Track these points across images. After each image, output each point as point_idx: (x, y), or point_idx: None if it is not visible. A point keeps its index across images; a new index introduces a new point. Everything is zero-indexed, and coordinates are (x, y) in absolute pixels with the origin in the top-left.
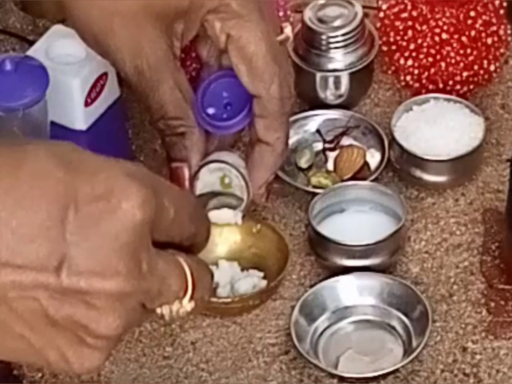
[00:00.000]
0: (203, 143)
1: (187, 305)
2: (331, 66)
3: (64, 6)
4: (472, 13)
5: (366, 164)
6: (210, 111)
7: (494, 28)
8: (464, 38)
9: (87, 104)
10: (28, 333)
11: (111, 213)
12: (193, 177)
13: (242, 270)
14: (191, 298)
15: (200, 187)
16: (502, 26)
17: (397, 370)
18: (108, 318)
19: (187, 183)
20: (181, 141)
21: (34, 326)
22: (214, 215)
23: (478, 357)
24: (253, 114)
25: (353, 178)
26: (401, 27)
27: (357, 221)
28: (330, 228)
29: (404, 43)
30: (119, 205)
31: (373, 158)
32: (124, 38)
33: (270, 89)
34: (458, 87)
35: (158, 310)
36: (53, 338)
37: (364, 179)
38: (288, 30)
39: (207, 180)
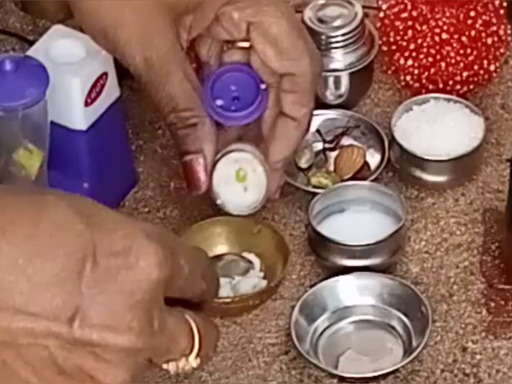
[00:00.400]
0: (215, 134)
1: (193, 361)
2: (331, 66)
3: (71, 2)
4: (472, 13)
5: (366, 164)
6: (219, 102)
7: (494, 28)
8: (464, 38)
9: (87, 104)
10: (34, 379)
11: (128, 269)
12: (212, 168)
13: (242, 269)
14: (197, 355)
15: (217, 179)
16: (502, 26)
17: (397, 370)
18: (116, 371)
19: (202, 174)
20: (194, 132)
21: (41, 374)
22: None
23: (478, 357)
24: (282, 88)
25: (353, 178)
26: (401, 27)
27: (357, 221)
28: (330, 228)
29: (404, 43)
30: (137, 263)
31: (373, 158)
32: (134, 30)
33: (301, 64)
34: (458, 87)
35: (164, 366)
36: None
37: (364, 179)
38: None
39: (223, 172)
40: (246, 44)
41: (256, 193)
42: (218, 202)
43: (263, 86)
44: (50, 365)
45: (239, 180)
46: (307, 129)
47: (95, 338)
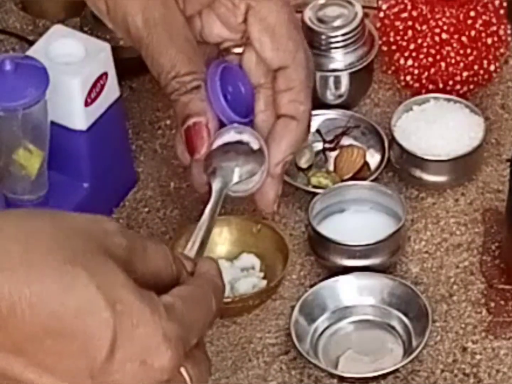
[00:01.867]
0: None
1: None
2: (331, 66)
3: None
4: (472, 13)
5: (366, 164)
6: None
7: (494, 28)
8: (464, 38)
9: (87, 104)
10: None
11: (142, 368)
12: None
13: (242, 270)
14: None
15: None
16: (502, 26)
17: (397, 370)
18: None
19: (206, 137)
20: (197, 95)
21: None
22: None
23: (478, 357)
24: (277, 89)
25: (353, 178)
26: (401, 27)
27: (357, 221)
28: (330, 228)
29: (404, 43)
30: (152, 365)
31: (373, 158)
32: None
33: (296, 57)
34: (458, 87)
35: None
36: None
37: (364, 179)
38: None
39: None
40: (240, 50)
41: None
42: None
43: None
44: None
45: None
46: (308, 128)
47: None
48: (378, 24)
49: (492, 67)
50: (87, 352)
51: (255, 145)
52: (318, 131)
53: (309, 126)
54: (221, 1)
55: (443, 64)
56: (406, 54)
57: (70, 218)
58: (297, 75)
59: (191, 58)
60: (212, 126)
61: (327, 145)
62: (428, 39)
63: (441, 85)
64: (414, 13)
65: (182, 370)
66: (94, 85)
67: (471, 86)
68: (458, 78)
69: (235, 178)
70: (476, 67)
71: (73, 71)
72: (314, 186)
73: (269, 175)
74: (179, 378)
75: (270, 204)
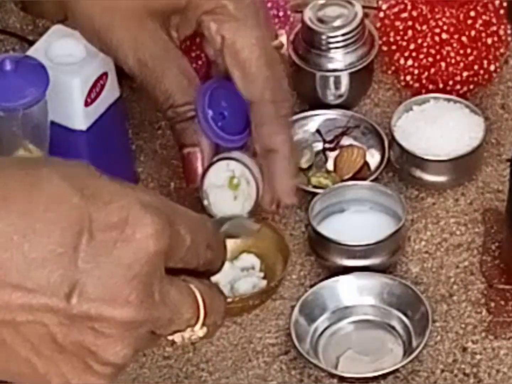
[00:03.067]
0: None
1: (199, 331)
2: (331, 66)
3: (66, 5)
4: (472, 13)
5: (366, 164)
6: (209, 112)
7: (494, 28)
8: (464, 38)
9: (87, 104)
10: (34, 358)
11: (125, 242)
12: (207, 168)
13: (242, 270)
14: (203, 324)
15: (209, 180)
16: (502, 26)
17: (397, 370)
18: (117, 347)
19: (199, 167)
20: (191, 125)
21: (41, 351)
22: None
23: (478, 357)
24: (253, 125)
25: (353, 178)
26: (401, 27)
27: (357, 221)
28: (330, 228)
29: (404, 43)
30: (133, 235)
31: (373, 158)
32: (125, 33)
33: (264, 93)
34: (458, 87)
35: (170, 337)
36: (59, 364)
37: (364, 179)
38: (283, 39)
39: (217, 175)
40: None
41: (244, 205)
42: (205, 203)
43: None
44: (49, 343)
45: (231, 188)
46: (292, 157)
47: (93, 313)
48: (378, 24)
49: (492, 67)
50: (66, 244)
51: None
52: (318, 131)
53: (293, 152)
54: (203, 29)
55: (443, 64)
56: (406, 54)
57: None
58: (265, 110)
59: (185, 90)
60: (206, 155)
61: (327, 145)
62: (428, 39)
63: (441, 85)
64: (414, 13)
65: (192, 286)
66: (94, 85)
67: (471, 86)
68: (458, 78)
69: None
70: (476, 67)
71: (73, 71)
72: (314, 186)
73: (266, 210)
74: (187, 292)
75: (269, 204)
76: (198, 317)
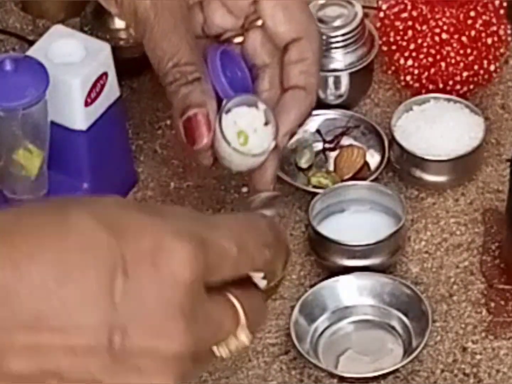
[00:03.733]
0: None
1: (244, 338)
2: (331, 66)
3: None
4: (472, 13)
5: (366, 164)
6: (221, 70)
7: (494, 28)
8: (464, 38)
9: (87, 104)
10: None
11: (159, 276)
12: (220, 119)
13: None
14: (245, 330)
15: (218, 140)
16: (502, 26)
17: (397, 370)
18: (163, 380)
19: (206, 128)
20: (197, 86)
21: None
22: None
23: (478, 357)
24: (287, 62)
25: (353, 178)
26: (401, 27)
27: (357, 221)
28: (330, 228)
29: (404, 43)
30: (167, 267)
31: (373, 158)
32: None
33: (309, 29)
34: (458, 87)
35: (217, 353)
36: None
37: (364, 179)
38: None
39: (224, 133)
40: (240, 39)
41: (258, 155)
42: (222, 161)
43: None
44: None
45: (241, 144)
46: (314, 101)
47: (136, 351)
48: (378, 24)
49: (492, 67)
50: (102, 288)
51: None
52: (318, 131)
53: (315, 99)
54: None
55: (443, 64)
56: (406, 54)
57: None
58: (310, 46)
59: (192, 49)
60: (212, 118)
61: (327, 145)
62: (428, 39)
63: (441, 85)
64: (414, 13)
65: (230, 296)
66: (94, 85)
67: (471, 86)
68: (458, 78)
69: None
70: (476, 67)
71: (73, 71)
72: (314, 186)
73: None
74: (226, 304)
75: (268, 182)
76: (238, 325)
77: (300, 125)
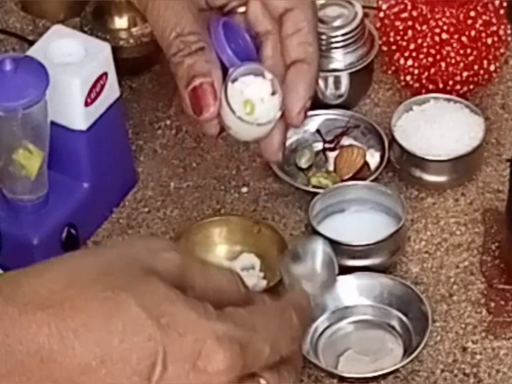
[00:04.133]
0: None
1: None
2: (331, 66)
3: None
4: (472, 13)
5: (366, 164)
6: (225, 40)
7: (494, 28)
8: (464, 38)
9: (87, 104)
10: None
11: (197, 375)
12: (226, 88)
13: (242, 270)
14: None
15: (224, 110)
16: (502, 26)
17: (397, 370)
18: None
19: (212, 97)
20: (202, 56)
21: None
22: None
23: (478, 357)
24: (285, 35)
25: (353, 178)
26: (401, 27)
27: (357, 221)
28: (330, 228)
29: (404, 43)
30: (205, 369)
31: (373, 158)
32: None
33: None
34: (458, 87)
35: None
36: None
37: (364, 179)
38: None
39: (230, 103)
40: (244, 8)
41: (264, 125)
42: (228, 131)
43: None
44: None
45: (247, 113)
46: (319, 70)
47: None
48: (378, 24)
49: (492, 67)
50: (140, 373)
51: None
52: (318, 131)
53: (319, 68)
54: None
55: (443, 64)
56: (406, 54)
57: (114, 246)
58: (304, 16)
59: (195, 18)
60: (218, 88)
61: (327, 145)
62: (428, 39)
63: (441, 85)
64: (414, 13)
65: (262, 380)
66: (94, 85)
67: (471, 86)
68: (458, 78)
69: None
70: (476, 67)
71: (73, 71)
72: (314, 186)
73: (292, 125)
74: None
75: (276, 152)
76: None
77: (311, 99)
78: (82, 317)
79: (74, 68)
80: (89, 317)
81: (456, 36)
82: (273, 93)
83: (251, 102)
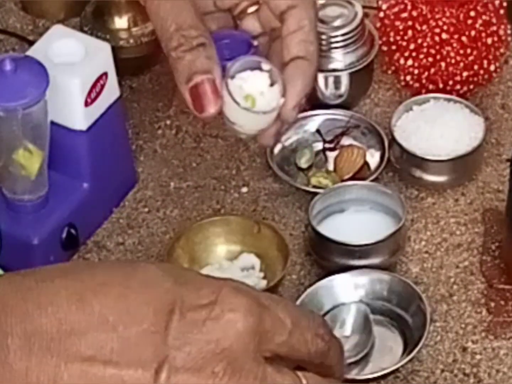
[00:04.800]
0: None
1: None
2: (331, 66)
3: None
4: (472, 13)
5: (366, 164)
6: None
7: (494, 28)
8: (464, 38)
9: (87, 104)
10: None
11: (214, 320)
12: (227, 84)
13: (242, 270)
14: None
15: (226, 105)
16: (502, 26)
17: (397, 370)
18: None
19: (213, 95)
20: (203, 53)
21: None
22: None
23: (478, 357)
24: (286, 32)
25: (353, 178)
26: (401, 27)
27: (357, 221)
28: (330, 228)
29: (404, 43)
30: (222, 314)
31: (373, 158)
32: None
33: None
34: (458, 87)
35: None
36: None
37: (364, 179)
38: None
39: (232, 97)
40: (255, 8)
41: (269, 112)
42: (231, 125)
43: (255, 43)
44: None
45: (249, 106)
46: (317, 68)
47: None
48: (378, 24)
49: (492, 67)
50: (158, 324)
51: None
52: (318, 131)
53: (318, 67)
54: None
55: (443, 64)
56: (406, 54)
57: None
58: (306, 14)
59: (197, 13)
60: (219, 84)
61: (327, 145)
62: (428, 39)
63: (441, 85)
64: (414, 13)
65: (299, 373)
66: (94, 85)
67: (471, 86)
68: (458, 78)
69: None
70: (476, 67)
71: (73, 71)
72: (314, 186)
73: (284, 120)
74: (290, 376)
75: (270, 136)
76: None
77: (306, 96)
78: (101, 278)
79: (74, 68)
80: (108, 277)
81: (456, 36)
82: (272, 84)
83: (252, 96)
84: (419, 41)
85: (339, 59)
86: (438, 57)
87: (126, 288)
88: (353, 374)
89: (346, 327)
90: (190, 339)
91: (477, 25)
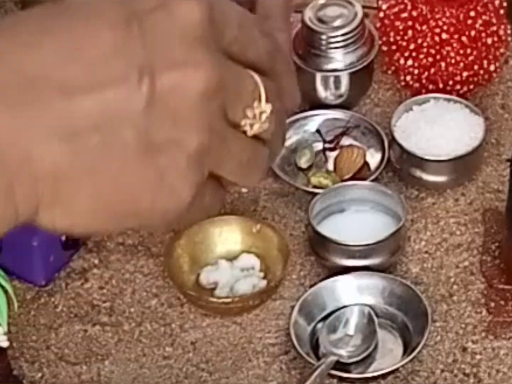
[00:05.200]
0: None
1: (266, 106)
2: (331, 66)
3: None
4: (472, 13)
5: (366, 164)
6: None
7: (494, 28)
8: (464, 38)
9: None
10: (119, 169)
11: (172, 16)
12: None
13: (242, 270)
14: (267, 100)
15: None
16: (502, 26)
17: (397, 370)
18: (198, 122)
19: None
20: None
21: (129, 155)
22: None
23: (478, 357)
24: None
25: (353, 178)
26: (401, 27)
27: (357, 221)
28: (330, 228)
29: (404, 43)
30: (177, 7)
31: (373, 158)
32: None
33: None
34: (458, 87)
35: (243, 122)
36: (153, 167)
37: (364, 179)
38: None
39: None
40: None
41: None
42: None
43: None
44: (136, 145)
45: None
46: (291, 52)
47: (167, 87)
48: (378, 24)
49: (492, 67)
50: (120, 37)
51: None
52: (318, 131)
53: (291, 48)
54: None
55: (443, 64)
56: (406, 54)
57: None
58: (274, 2)
59: None
60: None
61: (327, 145)
62: (428, 39)
63: (441, 85)
64: (414, 13)
65: (252, 72)
66: None
67: (471, 86)
68: (458, 78)
69: None
70: (476, 67)
71: None
72: (314, 186)
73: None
74: (246, 74)
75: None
76: (260, 97)
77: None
78: (48, 21)
79: None
80: (55, 18)
81: (456, 36)
82: None
83: None
84: (419, 41)
85: (339, 59)
86: (438, 57)
87: (74, 19)
88: (354, 374)
89: (350, 327)
90: (156, 38)
91: (477, 25)
